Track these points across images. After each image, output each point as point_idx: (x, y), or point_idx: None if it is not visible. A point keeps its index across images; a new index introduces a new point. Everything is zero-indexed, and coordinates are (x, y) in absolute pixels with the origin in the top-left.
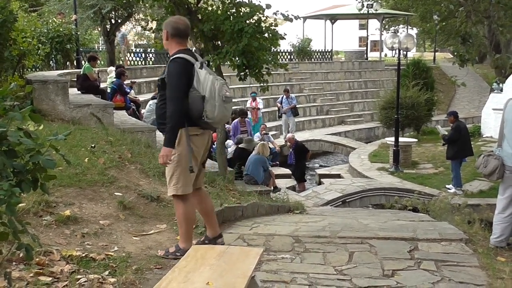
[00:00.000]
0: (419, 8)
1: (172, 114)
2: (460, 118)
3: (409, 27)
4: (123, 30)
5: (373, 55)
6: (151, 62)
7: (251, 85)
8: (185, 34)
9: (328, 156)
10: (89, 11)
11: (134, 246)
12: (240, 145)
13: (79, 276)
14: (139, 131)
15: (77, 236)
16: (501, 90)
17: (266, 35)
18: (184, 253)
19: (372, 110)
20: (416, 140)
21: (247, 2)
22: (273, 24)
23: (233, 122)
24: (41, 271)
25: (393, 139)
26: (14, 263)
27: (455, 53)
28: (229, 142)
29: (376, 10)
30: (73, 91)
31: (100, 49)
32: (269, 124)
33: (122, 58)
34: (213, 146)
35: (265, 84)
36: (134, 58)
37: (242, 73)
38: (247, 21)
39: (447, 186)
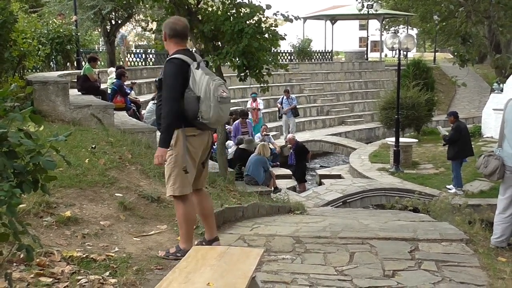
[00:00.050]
0: (419, 8)
1: (167, 114)
2: (460, 118)
3: (409, 27)
4: (122, 31)
5: (373, 56)
6: (151, 63)
7: (251, 86)
8: (183, 35)
9: (329, 157)
10: (89, 12)
11: (135, 246)
12: (240, 146)
13: (79, 277)
14: (139, 132)
15: (78, 237)
16: (502, 90)
17: (266, 35)
18: (184, 254)
19: (372, 111)
20: (416, 140)
21: (247, 2)
22: (273, 25)
23: (235, 123)
24: (41, 272)
25: (393, 139)
26: (14, 264)
27: (455, 53)
28: (230, 142)
29: (376, 10)
30: (74, 92)
31: (101, 50)
32: (269, 125)
33: (122, 59)
34: (214, 146)
35: (265, 85)
36: (134, 59)
37: (242, 74)
38: (247, 22)
39: (447, 186)
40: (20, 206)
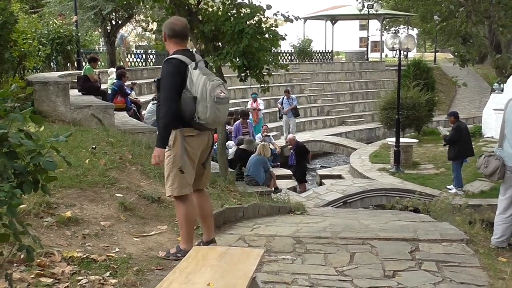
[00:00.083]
0: (419, 8)
1: (165, 114)
2: (460, 118)
3: (409, 27)
4: (122, 31)
5: (373, 56)
6: (151, 63)
7: (251, 86)
8: (182, 35)
9: (329, 157)
10: (89, 13)
11: (135, 247)
12: (241, 146)
13: (80, 278)
14: (140, 132)
15: (78, 237)
16: (502, 91)
17: (266, 36)
18: (185, 254)
19: (372, 111)
20: (417, 140)
21: (247, 3)
22: (273, 25)
23: (235, 123)
24: (42, 272)
25: (394, 139)
26: (15, 264)
27: (456, 54)
28: (230, 143)
29: (377, 10)
30: (74, 92)
31: (101, 51)
32: (269, 125)
33: (122, 60)
34: (214, 147)
35: (265, 85)
36: (134, 59)
37: (243, 74)
38: (248, 22)
39: (448, 186)
40: (21, 206)
